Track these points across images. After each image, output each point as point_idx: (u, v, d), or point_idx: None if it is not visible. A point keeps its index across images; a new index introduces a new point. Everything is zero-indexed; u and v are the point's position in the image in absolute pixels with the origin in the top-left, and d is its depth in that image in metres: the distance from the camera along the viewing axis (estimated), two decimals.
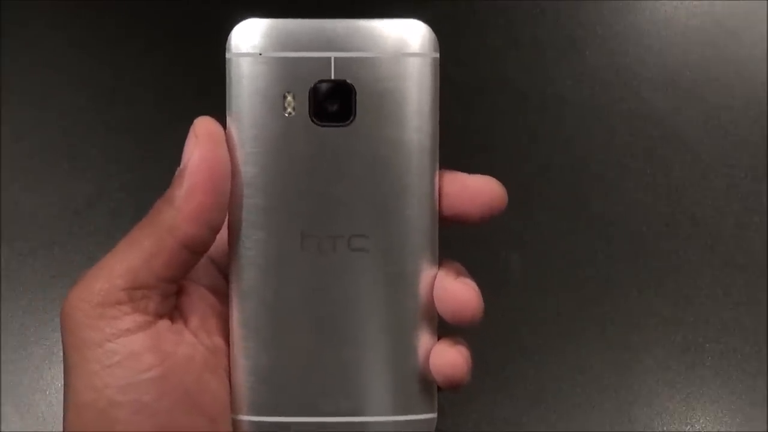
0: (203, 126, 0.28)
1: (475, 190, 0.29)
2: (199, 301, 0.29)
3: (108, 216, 0.53)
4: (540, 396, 0.50)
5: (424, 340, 0.29)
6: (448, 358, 0.28)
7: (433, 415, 0.29)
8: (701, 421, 0.50)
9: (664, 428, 0.50)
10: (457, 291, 0.28)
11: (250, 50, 0.27)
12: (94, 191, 0.53)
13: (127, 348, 0.27)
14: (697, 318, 0.52)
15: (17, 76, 0.55)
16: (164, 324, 0.28)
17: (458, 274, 0.29)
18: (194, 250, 0.28)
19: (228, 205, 0.28)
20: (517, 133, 0.55)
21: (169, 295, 0.28)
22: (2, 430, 0.50)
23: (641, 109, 0.55)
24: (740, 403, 0.50)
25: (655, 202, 0.54)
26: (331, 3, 0.54)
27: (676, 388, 0.51)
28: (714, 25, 0.56)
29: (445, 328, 0.30)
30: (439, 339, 0.29)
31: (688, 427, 0.50)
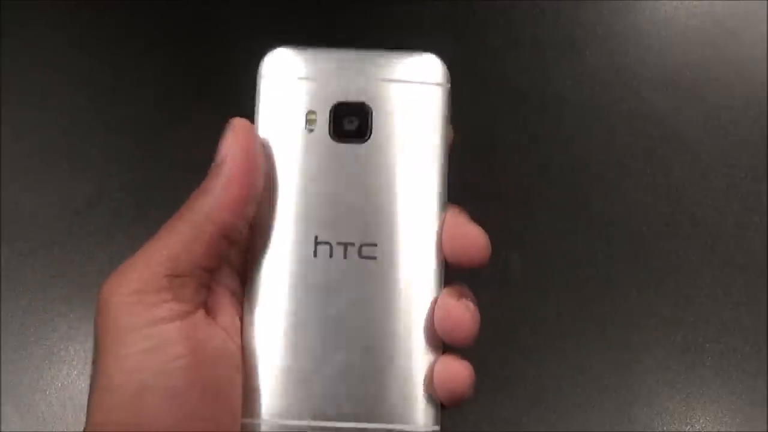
0: (240, 124, 0.29)
1: (470, 241, 0.30)
2: (226, 302, 0.30)
3: (108, 216, 0.53)
4: (540, 396, 0.50)
5: (429, 350, 0.30)
6: (450, 373, 0.29)
7: (436, 428, 0.30)
8: (701, 421, 0.50)
9: (664, 428, 0.50)
10: (452, 310, 0.29)
11: (280, 73, 0.30)
12: (94, 191, 0.53)
13: (163, 335, 0.27)
14: (697, 318, 0.52)
15: (17, 76, 0.55)
16: (200, 315, 0.28)
17: (461, 295, 0.30)
18: (231, 238, 0.29)
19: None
20: (517, 133, 0.55)
21: (204, 285, 0.29)
22: (2, 430, 0.50)
23: (641, 109, 0.55)
24: (740, 403, 0.50)
25: (655, 202, 0.54)
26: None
27: (676, 388, 0.51)
28: (714, 25, 0.56)
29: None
30: (444, 353, 0.30)
31: (688, 427, 0.50)
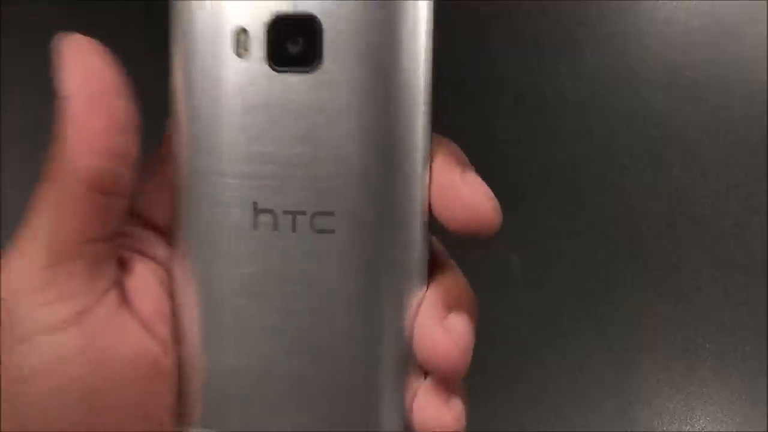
0: (75, 40, 0.22)
1: (465, 204, 0.23)
2: (149, 279, 0.23)
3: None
4: (540, 396, 0.50)
5: (403, 358, 0.23)
6: (432, 413, 0.23)
7: None
8: (701, 421, 0.50)
9: (664, 428, 0.50)
10: (437, 343, 0.22)
11: None
12: None
13: (49, 351, 0.20)
14: (697, 318, 0.52)
15: (17, 76, 0.55)
16: (102, 312, 0.21)
17: (449, 306, 0.23)
18: (109, 190, 0.21)
19: (171, 170, 0.23)
20: (517, 133, 0.55)
21: (100, 262, 0.21)
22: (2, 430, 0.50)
23: (641, 109, 0.55)
24: (740, 403, 0.50)
25: (655, 202, 0.53)
26: None
27: (676, 388, 0.51)
28: (714, 25, 0.56)
29: None
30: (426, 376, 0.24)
31: (688, 427, 0.50)
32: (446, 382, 0.23)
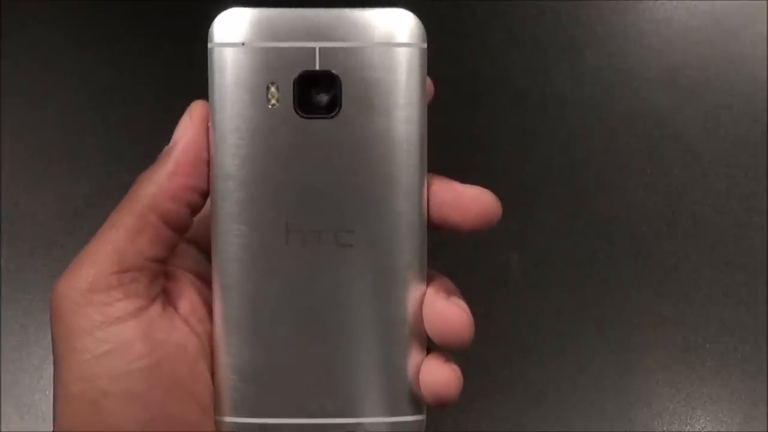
0: (199, 109, 0.28)
1: (469, 201, 0.28)
2: (188, 287, 0.28)
3: (108, 216, 0.53)
4: (540, 396, 0.50)
5: (411, 340, 0.28)
6: (439, 378, 0.28)
7: (421, 417, 0.28)
8: (701, 421, 0.50)
9: (664, 428, 0.50)
10: (448, 314, 0.27)
11: (233, 40, 0.27)
12: (94, 191, 0.53)
13: (118, 336, 0.26)
14: (697, 318, 0.52)
15: (17, 76, 0.55)
16: (155, 310, 0.27)
17: (449, 292, 0.28)
18: (175, 227, 0.27)
19: (212, 198, 0.27)
20: (517, 133, 0.55)
21: (157, 276, 0.27)
22: (2, 430, 0.50)
23: (641, 109, 0.55)
24: (740, 403, 0.50)
25: (655, 202, 0.54)
26: None
27: (676, 388, 0.51)
28: (714, 25, 0.56)
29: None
30: (429, 351, 0.28)
31: (688, 427, 0.50)
32: (446, 356, 0.28)
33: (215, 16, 0.29)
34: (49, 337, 0.51)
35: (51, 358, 0.52)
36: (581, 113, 0.55)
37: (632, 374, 0.51)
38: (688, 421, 0.50)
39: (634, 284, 0.52)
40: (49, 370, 0.51)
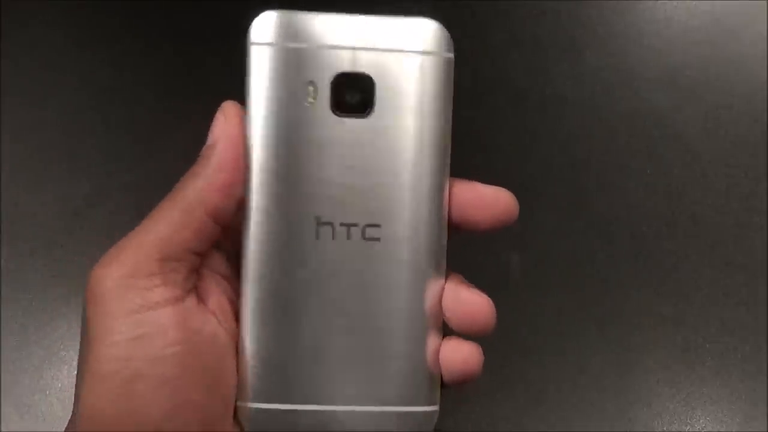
0: (232, 108, 0.29)
1: (489, 200, 0.30)
2: (215, 285, 0.29)
3: (108, 216, 0.53)
4: (540, 396, 0.50)
5: (430, 332, 0.29)
6: (460, 355, 0.29)
7: (435, 408, 0.29)
8: (701, 421, 0.50)
9: (664, 428, 0.50)
10: (472, 301, 0.29)
11: (273, 40, 0.28)
12: (94, 191, 0.53)
13: (155, 321, 0.27)
14: (697, 318, 0.52)
15: (17, 76, 0.55)
16: (191, 300, 0.28)
17: (467, 284, 0.30)
18: (220, 222, 0.28)
19: (245, 191, 0.28)
20: (517, 133, 0.55)
21: (194, 270, 0.28)
22: (2, 430, 0.50)
23: (641, 109, 0.55)
24: (740, 403, 0.50)
25: (655, 202, 0.54)
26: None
27: (676, 388, 0.51)
28: (714, 25, 0.56)
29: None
30: (445, 336, 0.30)
31: (688, 427, 0.50)
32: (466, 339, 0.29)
33: (216, 17, 0.29)
34: (50, 337, 0.50)
35: (51, 358, 0.52)
36: (581, 113, 0.55)
37: (632, 374, 0.51)
38: (688, 421, 0.50)
39: (634, 284, 0.52)
40: (50, 371, 0.51)
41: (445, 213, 0.29)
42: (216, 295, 0.29)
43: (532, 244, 0.53)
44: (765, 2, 0.56)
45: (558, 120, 0.55)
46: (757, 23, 0.56)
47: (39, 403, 0.50)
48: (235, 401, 0.29)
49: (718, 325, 0.52)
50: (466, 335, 0.29)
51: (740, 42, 0.56)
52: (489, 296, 0.29)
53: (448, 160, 0.29)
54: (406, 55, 0.28)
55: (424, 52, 0.28)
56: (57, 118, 0.55)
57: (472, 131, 0.54)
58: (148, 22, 0.56)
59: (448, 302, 0.29)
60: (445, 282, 0.30)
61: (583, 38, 0.56)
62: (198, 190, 0.28)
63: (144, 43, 0.56)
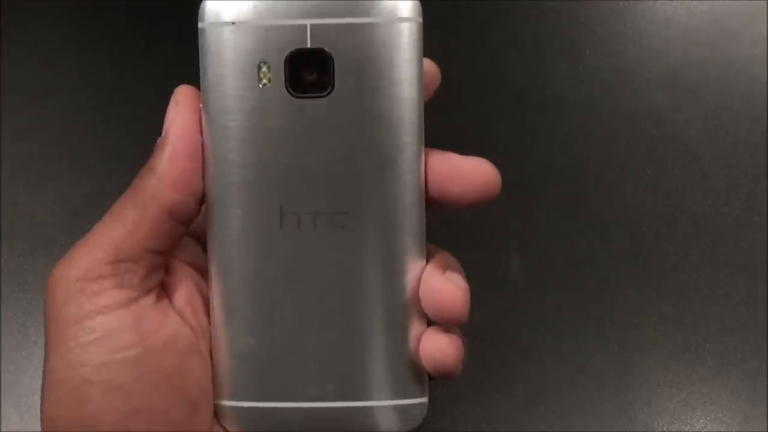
0: (184, 94, 0.27)
1: (467, 172, 0.27)
2: (185, 279, 0.28)
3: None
4: (539, 396, 0.50)
5: (412, 322, 0.28)
6: (437, 345, 0.27)
7: (423, 400, 0.28)
8: (701, 421, 0.50)
9: (664, 428, 0.50)
10: (442, 290, 0.27)
11: (223, 19, 0.26)
12: (94, 191, 0.53)
13: (105, 325, 0.26)
14: (697, 318, 0.52)
15: (17, 76, 0.55)
16: (147, 302, 0.27)
17: (446, 268, 0.28)
18: (179, 218, 0.27)
19: (205, 182, 0.27)
20: (517, 133, 0.55)
21: (155, 268, 0.27)
22: (2, 430, 0.50)
23: (641, 109, 0.55)
24: (740, 403, 0.50)
25: (655, 202, 0.54)
26: None
27: (676, 388, 0.51)
28: (714, 25, 0.56)
29: None
30: (430, 325, 0.28)
31: (688, 427, 0.50)
32: (446, 327, 0.28)
33: None
34: None
35: None
36: (581, 113, 0.55)
37: (632, 374, 0.51)
38: (688, 421, 0.50)
39: (634, 284, 0.52)
40: None
41: (422, 191, 0.27)
42: (185, 289, 0.28)
43: (531, 244, 0.53)
44: (765, 2, 0.56)
45: (557, 120, 0.55)
46: (757, 24, 0.56)
47: (39, 403, 0.50)
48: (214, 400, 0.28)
49: (718, 325, 0.52)
50: (441, 324, 0.28)
51: (740, 42, 0.56)
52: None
53: (422, 134, 0.27)
54: (368, 24, 0.26)
55: (389, 19, 0.26)
56: (57, 117, 0.55)
57: (472, 131, 0.54)
58: (148, 22, 0.56)
59: (422, 291, 0.27)
60: (426, 265, 0.28)
61: (582, 38, 0.56)
62: (151, 186, 0.26)
63: (144, 43, 0.56)
